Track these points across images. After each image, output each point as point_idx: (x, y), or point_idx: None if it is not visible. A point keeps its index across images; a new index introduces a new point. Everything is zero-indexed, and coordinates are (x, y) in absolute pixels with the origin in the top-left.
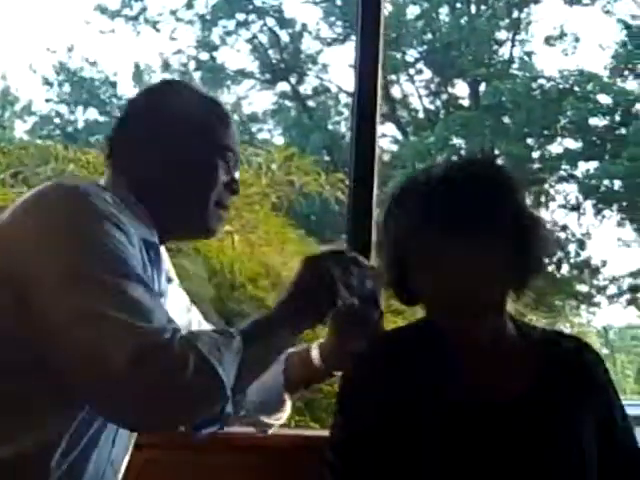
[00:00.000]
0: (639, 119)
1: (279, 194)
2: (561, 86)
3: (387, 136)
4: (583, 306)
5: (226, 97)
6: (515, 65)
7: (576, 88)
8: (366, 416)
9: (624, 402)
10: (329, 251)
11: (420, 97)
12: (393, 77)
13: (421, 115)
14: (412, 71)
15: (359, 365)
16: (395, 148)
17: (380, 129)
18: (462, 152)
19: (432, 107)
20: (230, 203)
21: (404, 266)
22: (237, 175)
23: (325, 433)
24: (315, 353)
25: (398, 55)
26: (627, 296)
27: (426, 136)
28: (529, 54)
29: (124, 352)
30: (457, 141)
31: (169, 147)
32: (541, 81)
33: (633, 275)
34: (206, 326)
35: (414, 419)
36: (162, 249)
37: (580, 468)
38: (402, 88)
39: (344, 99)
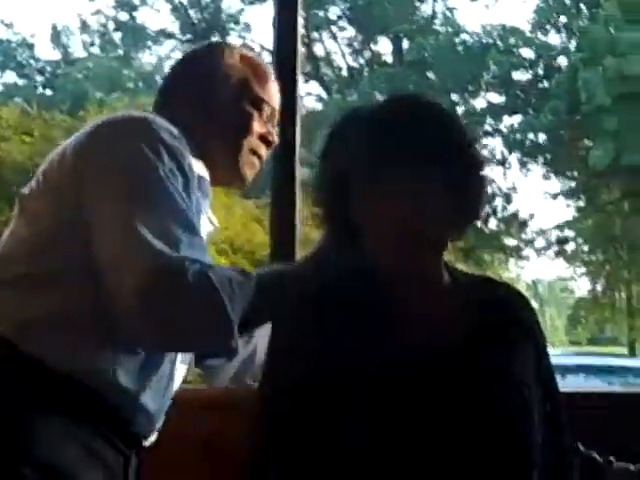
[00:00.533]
0: (561, 72)
1: None
2: (484, 41)
3: (311, 94)
4: (512, 260)
5: (147, 58)
6: (438, 21)
7: (499, 42)
8: (297, 365)
9: (554, 353)
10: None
11: (343, 55)
12: (316, 35)
13: (345, 73)
14: (335, 29)
15: (289, 307)
16: (319, 106)
17: (304, 87)
18: None
19: (355, 64)
20: (265, 153)
21: (346, 199)
22: (273, 129)
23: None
24: None
25: (321, 13)
26: (555, 248)
27: (350, 94)
28: (451, 9)
29: (139, 268)
30: (381, 98)
31: (211, 98)
32: (464, 36)
33: (560, 227)
34: None
35: (346, 365)
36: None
37: (522, 411)
38: (325, 46)
39: (267, 58)
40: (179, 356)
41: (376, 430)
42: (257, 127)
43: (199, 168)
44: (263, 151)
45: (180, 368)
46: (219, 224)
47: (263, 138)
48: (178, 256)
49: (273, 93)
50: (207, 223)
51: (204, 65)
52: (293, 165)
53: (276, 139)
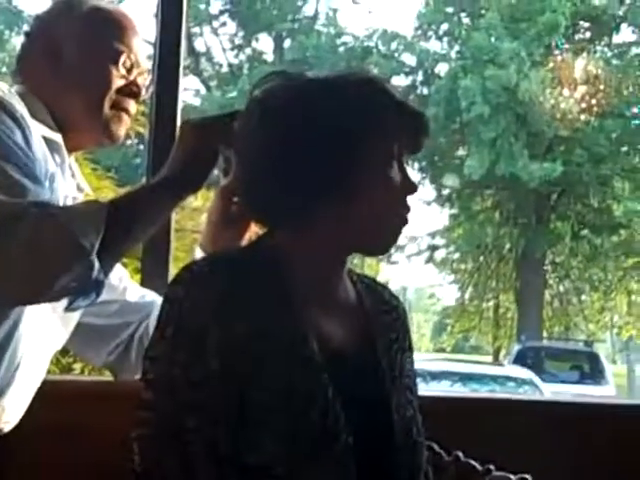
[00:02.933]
0: (441, 79)
1: None
2: (366, 44)
3: (190, 89)
4: (382, 264)
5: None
6: (320, 21)
7: (380, 46)
8: (203, 359)
9: (421, 358)
10: (211, 117)
11: (224, 50)
12: (197, 29)
13: (225, 69)
14: (216, 24)
15: (195, 292)
16: (198, 102)
17: (183, 82)
18: None
19: (236, 61)
20: (131, 107)
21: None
22: (139, 79)
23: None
24: (198, 254)
25: (202, 6)
26: (425, 255)
27: (229, 90)
28: (334, 10)
29: None
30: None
31: (61, 55)
32: (346, 38)
33: (432, 235)
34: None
35: (252, 365)
36: (72, 159)
37: (416, 409)
38: (206, 41)
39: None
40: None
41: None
42: (116, 80)
43: (48, 132)
44: (129, 104)
45: (45, 351)
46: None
47: (126, 90)
48: (19, 202)
49: (132, 42)
50: (71, 188)
51: (52, 21)
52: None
53: (144, 90)
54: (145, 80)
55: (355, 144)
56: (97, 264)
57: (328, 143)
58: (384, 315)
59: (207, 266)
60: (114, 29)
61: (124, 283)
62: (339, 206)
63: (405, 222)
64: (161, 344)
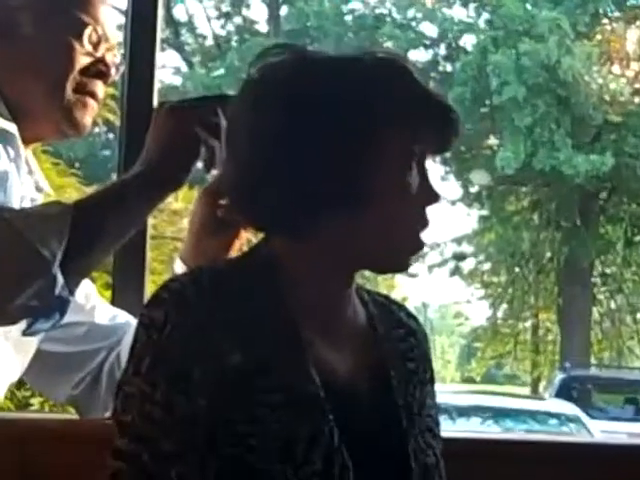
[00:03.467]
0: (467, 54)
1: None
2: (377, 11)
3: (168, 67)
4: (398, 277)
5: None
6: None
7: (395, 15)
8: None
9: (446, 390)
10: (193, 99)
11: (209, 20)
12: None
13: (209, 42)
14: None
15: (176, 311)
16: (178, 81)
17: (160, 58)
18: None
19: (223, 32)
20: (99, 90)
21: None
22: (107, 56)
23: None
24: (178, 267)
25: None
26: (450, 266)
27: (216, 67)
28: None
29: None
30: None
31: (12, 30)
32: (354, 4)
33: (457, 241)
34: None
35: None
36: (29, 152)
37: (439, 455)
38: (187, 8)
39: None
40: None
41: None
42: (80, 57)
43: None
44: (97, 87)
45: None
46: None
47: (93, 70)
48: None
49: (99, 11)
50: (27, 187)
51: None
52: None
53: (114, 70)
54: (115, 57)
55: (368, 141)
56: (61, 278)
57: (336, 138)
58: (400, 341)
59: (190, 283)
60: None
61: (92, 301)
62: (346, 214)
63: (419, 242)
64: (137, 379)
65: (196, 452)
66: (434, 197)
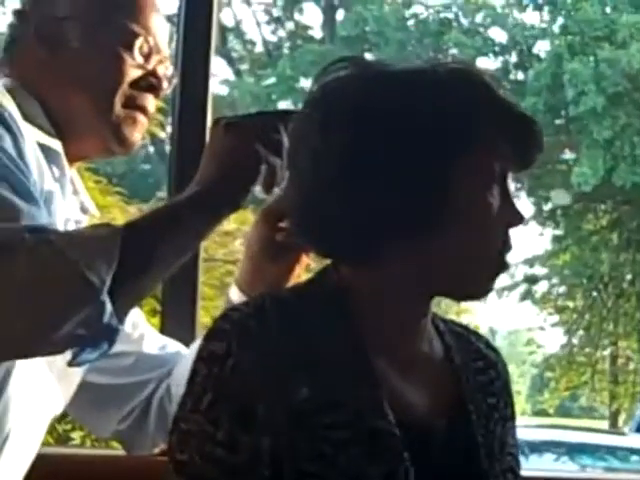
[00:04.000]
0: (541, 61)
1: None
2: (442, 15)
3: (214, 75)
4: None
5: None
6: None
7: (462, 19)
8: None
9: (516, 424)
10: (252, 115)
11: (259, 25)
12: None
13: (259, 49)
14: None
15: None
16: (225, 90)
17: (214, 68)
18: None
19: (274, 38)
20: (150, 104)
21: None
22: (159, 68)
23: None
24: (234, 294)
25: None
26: (521, 289)
27: (265, 76)
28: None
29: None
30: (306, 83)
31: (58, 38)
32: (417, 8)
33: (529, 262)
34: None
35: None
36: (73, 171)
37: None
38: (235, 13)
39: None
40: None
41: None
42: (130, 70)
43: (44, 137)
44: (147, 101)
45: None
46: None
47: (143, 83)
48: (9, 227)
49: (151, 21)
50: (72, 209)
51: None
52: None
53: (165, 83)
54: (167, 69)
55: (442, 158)
56: (109, 306)
57: (409, 157)
58: (480, 374)
59: (254, 313)
60: (128, 5)
61: (140, 330)
62: (420, 237)
63: (504, 264)
64: (196, 416)
65: None
66: (517, 218)
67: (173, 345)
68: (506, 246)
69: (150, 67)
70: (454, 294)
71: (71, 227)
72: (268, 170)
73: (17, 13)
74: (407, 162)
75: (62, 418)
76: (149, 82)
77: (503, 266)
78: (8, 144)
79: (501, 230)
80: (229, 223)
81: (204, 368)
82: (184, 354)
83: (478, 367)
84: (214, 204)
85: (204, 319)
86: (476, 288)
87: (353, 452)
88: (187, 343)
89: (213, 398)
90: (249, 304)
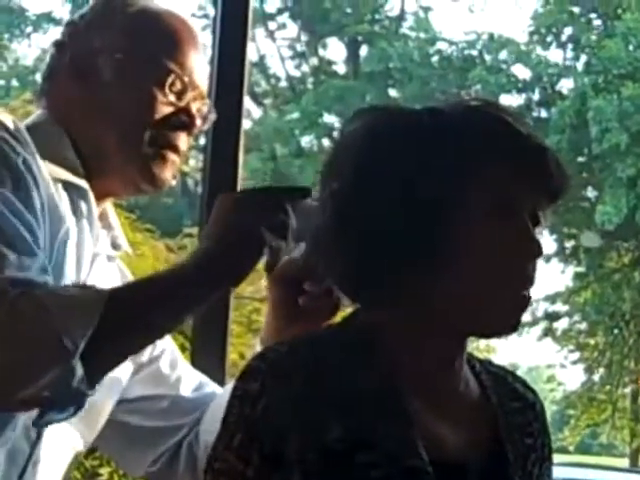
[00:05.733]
0: (564, 98)
1: None
2: (466, 52)
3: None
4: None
5: (25, 49)
6: (407, 23)
7: (486, 56)
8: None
9: None
10: (260, 190)
11: (283, 60)
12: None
13: (283, 83)
14: (273, 25)
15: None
16: (248, 125)
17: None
18: (336, 133)
19: (298, 73)
20: (182, 142)
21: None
22: (193, 105)
23: None
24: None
25: (255, 2)
26: (542, 325)
27: (289, 111)
28: (426, 10)
29: None
30: (330, 118)
31: (91, 73)
32: (440, 45)
33: (551, 299)
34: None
35: None
36: (108, 206)
37: None
38: (259, 47)
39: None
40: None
41: None
42: (161, 107)
43: (70, 176)
44: (179, 139)
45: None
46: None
47: (175, 121)
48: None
49: (188, 58)
50: (102, 244)
51: (86, 28)
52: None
53: (199, 121)
54: (203, 106)
55: (447, 191)
56: (80, 371)
57: (409, 196)
58: (517, 414)
59: (288, 354)
60: (164, 40)
61: (178, 371)
62: (429, 275)
63: (525, 298)
64: (228, 454)
65: None
66: (534, 251)
67: (208, 384)
68: (525, 281)
69: (182, 104)
70: (479, 331)
71: (101, 261)
72: (271, 251)
73: (56, 44)
74: (410, 202)
75: (90, 454)
76: (181, 120)
77: (523, 301)
78: (8, 186)
79: (518, 264)
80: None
81: (237, 407)
82: (218, 394)
83: (515, 407)
84: (212, 279)
85: (232, 356)
86: (498, 324)
87: None
88: (217, 381)
89: (245, 437)
90: (284, 344)
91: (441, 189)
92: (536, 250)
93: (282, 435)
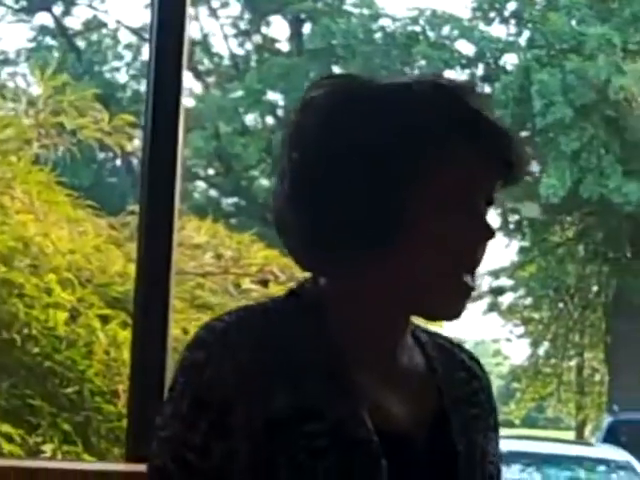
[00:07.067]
0: (508, 73)
1: (45, 142)
2: (409, 28)
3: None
4: None
5: None
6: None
7: (429, 32)
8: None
9: None
10: None
11: (226, 38)
12: (190, 11)
13: (226, 62)
14: (216, 3)
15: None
16: (191, 103)
17: (185, 81)
18: (280, 110)
19: (241, 51)
20: None
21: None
22: None
23: (106, 467)
24: None
25: None
26: (487, 300)
27: (233, 89)
28: None
29: None
30: (273, 96)
31: None
32: (384, 21)
33: (495, 274)
34: None
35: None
36: None
37: None
38: (202, 26)
39: (126, 37)
40: None
41: None
42: None
43: None
44: None
45: None
46: (62, 243)
47: None
48: None
49: None
50: None
51: None
52: (173, 175)
53: None
54: None
55: (407, 164)
56: None
57: (367, 167)
58: (463, 385)
59: (235, 324)
60: None
61: None
62: (381, 255)
63: (470, 286)
64: (175, 422)
65: None
66: (485, 232)
67: None
68: (473, 265)
69: None
70: (423, 314)
71: None
72: None
73: None
74: (367, 174)
75: (33, 430)
76: None
77: (469, 288)
78: None
79: (468, 248)
80: (199, 236)
81: (184, 376)
82: None
83: (461, 378)
84: None
85: (174, 331)
86: (443, 310)
87: (331, 461)
88: (159, 355)
89: (192, 405)
90: (232, 314)
91: (402, 164)
92: (488, 234)
93: (228, 404)
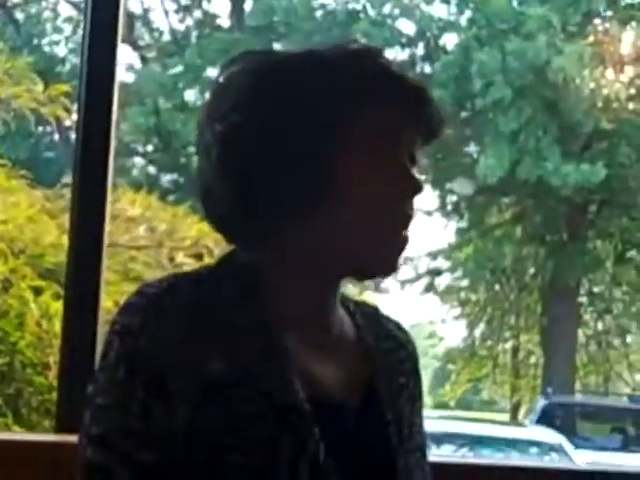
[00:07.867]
0: (448, 53)
1: None
2: (350, 6)
3: (120, 63)
4: (368, 292)
5: None
6: None
7: (370, 11)
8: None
9: None
10: None
11: (166, 13)
12: None
13: (166, 37)
14: None
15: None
16: (130, 78)
17: (120, 54)
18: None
19: (181, 27)
20: None
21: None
22: None
23: (35, 438)
24: None
25: None
26: (424, 281)
27: (173, 64)
28: None
29: None
30: (214, 72)
31: None
32: None
33: (432, 255)
34: None
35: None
36: None
37: (428, 474)
38: (142, 0)
39: (66, 10)
40: None
41: None
42: None
43: None
44: None
45: None
46: None
47: None
48: None
49: None
50: None
51: None
52: (107, 147)
53: None
54: None
55: (327, 120)
56: None
57: (287, 138)
58: (390, 354)
59: (168, 290)
60: None
61: None
62: (308, 217)
63: (403, 237)
64: (111, 389)
65: (175, 464)
66: (412, 185)
67: None
68: (404, 219)
69: None
70: (358, 271)
71: None
72: None
73: None
74: (285, 142)
75: None
76: None
77: (402, 241)
78: None
79: (397, 203)
80: (133, 209)
81: (118, 341)
82: None
83: (388, 347)
84: None
85: (106, 304)
86: (377, 265)
87: (265, 426)
88: (90, 327)
89: (128, 371)
90: (163, 281)
91: (322, 126)
92: (416, 186)
93: (164, 370)
